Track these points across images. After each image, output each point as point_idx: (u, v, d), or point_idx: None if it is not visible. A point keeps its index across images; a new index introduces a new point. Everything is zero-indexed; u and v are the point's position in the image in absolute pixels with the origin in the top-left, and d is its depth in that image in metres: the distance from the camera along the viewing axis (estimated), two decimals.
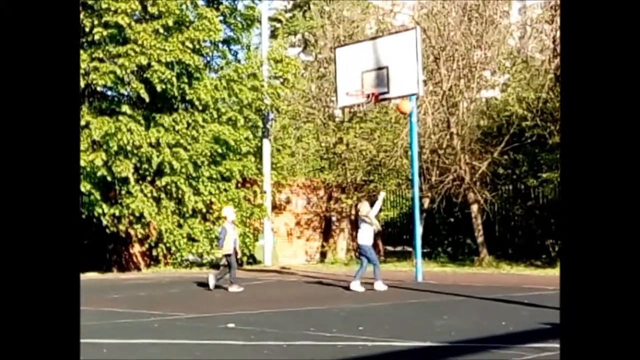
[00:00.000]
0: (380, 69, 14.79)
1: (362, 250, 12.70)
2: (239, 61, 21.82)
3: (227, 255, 13.24)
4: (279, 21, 30.19)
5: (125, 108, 18.45)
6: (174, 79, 18.33)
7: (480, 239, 19.56)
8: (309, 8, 27.05)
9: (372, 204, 13.31)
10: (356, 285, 12.41)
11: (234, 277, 13.11)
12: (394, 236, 25.36)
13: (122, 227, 19.41)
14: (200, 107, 19.32)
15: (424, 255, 17.19)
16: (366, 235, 12.63)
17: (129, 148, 18.15)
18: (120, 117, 18.24)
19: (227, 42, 21.54)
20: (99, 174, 17.93)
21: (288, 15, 30.15)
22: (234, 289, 12.96)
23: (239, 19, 21.43)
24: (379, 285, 12.40)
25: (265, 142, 21.38)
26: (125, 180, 18.46)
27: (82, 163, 17.31)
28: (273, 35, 27.59)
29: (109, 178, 18.22)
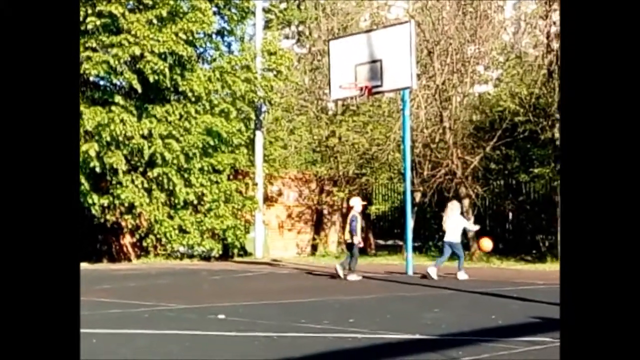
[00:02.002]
0: (373, 62, 14.77)
1: (451, 245, 13.49)
2: (232, 53, 21.76)
3: (352, 244, 13.49)
4: (273, 12, 30.10)
5: (118, 98, 18.37)
6: (167, 70, 18.25)
7: (471, 234, 19.61)
8: None
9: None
10: (462, 275, 13.25)
11: (354, 266, 13.40)
12: (385, 230, 25.40)
13: (112, 218, 19.36)
14: (193, 99, 19.26)
15: (414, 249, 17.22)
16: (455, 233, 13.53)
17: (120, 139, 18.09)
18: (113, 108, 18.16)
19: (220, 33, 21.47)
20: (91, 164, 17.87)
21: (282, 6, 30.05)
22: (353, 277, 13.16)
23: (233, 10, 21.36)
24: (462, 275, 13.28)
25: (258, 134, 21.35)
26: (116, 171, 18.40)
27: None
28: (267, 27, 27.51)
29: (97, 169, 18.14)
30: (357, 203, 13.94)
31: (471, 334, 6.96)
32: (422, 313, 8.68)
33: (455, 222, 13.68)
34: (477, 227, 14.15)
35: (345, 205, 23.75)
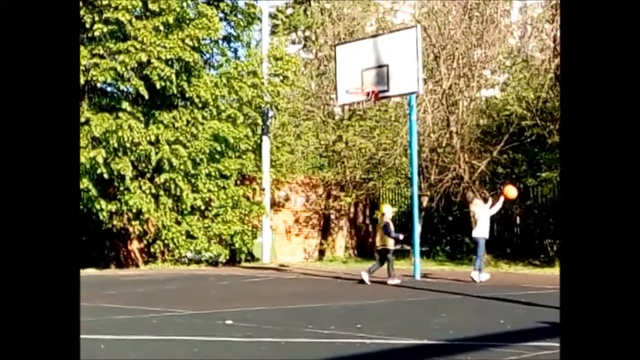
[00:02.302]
0: (380, 67, 14.79)
1: (476, 241, 13.69)
2: (239, 58, 21.81)
3: (387, 251, 13.85)
4: (279, 18, 30.18)
5: (125, 105, 18.43)
6: (173, 77, 18.28)
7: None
8: (310, 4, 27.03)
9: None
10: (476, 275, 13.44)
11: (392, 270, 13.72)
12: None
13: (120, 224, 19.40)
14: (200, 105, 19.30)
15: (422, 253, 17.21)
16: (482, 230, 13.67)
17: (128, 145, 18.14)
18: (120, 114, 18.22)
19: (227, 39, 21.52)
20: (99, 171, 17.92)
21: (289, 11, 30.10)
22: (394, 281, 13.44)
23: (239, 16, 21.40)
24: (478, 276, 13.45)
25: (265, 139, 21.37)
26: (124, 177, 18.45)
27: (82, 159, 17.31)
28: (273, 32, 27.56)
29: (105, 176, 18.19)
30: (388, 211, 14.32)
31: (479, 339, 6.95)
32: (430, 318, 8.66)
33: (482, 217, 13.72)
34: (499, 206, 14.12)
35: (352, 210, 23.79)
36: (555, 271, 16.37)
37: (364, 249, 23.92)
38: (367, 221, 24.39)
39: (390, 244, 13.83)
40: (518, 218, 21.21)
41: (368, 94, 14.93)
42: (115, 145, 18.02)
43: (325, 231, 23.49)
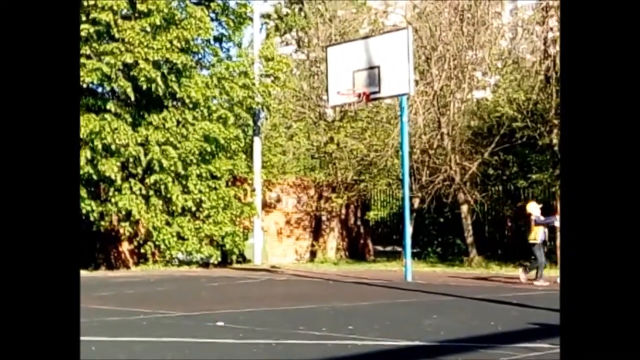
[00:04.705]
0: (371, 68, 14.79)
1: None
2: (230, 58, 21.73)
3: (533, 245, 14.13)
4: (272, 19, 30.14)
5: (110, 106, 18.29)
6: (159, 79, 18.14)
7: (469, 239, 19.61)
8: (303, 4, 27.02)
9: None
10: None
11: (540, 269, 13.89)
12: (384, 236, 25.38)
13: (110, 225, 19.30)
14: (190, 105, 19.22)
15: (413, 255, 17.22)
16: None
17: (113, 147, 18.01)
18: (107, 116, 18.09)
19: (218, 39, 21.46)
20: (82, 171, 17.70)
21: (284, 11, 30.07)
22: (539, 282, 13.60)
23: (230, 16, 21.34)
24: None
25: (256, 140, 21.34)
26: (111, 179, 18.32)
27: None
28: (267, 36, 27.55)
29: (94, 177, 18.08)
30: (534, 208, 14.38)
31: (470, 340, 6.95)
32: (422, 319, 8.66)
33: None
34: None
35: (343, 211, 23.78)
36: (545, 272, 16.40)
37: (355, 250, 23.94)
38: (359, 222, 24.40)
39: (539, 236, 13.91)
40: (509, 219, 21.27)
41: (359, 95, 14.93)
42: (101, 147, 17.89)
43: (317, 232, 23.48)
